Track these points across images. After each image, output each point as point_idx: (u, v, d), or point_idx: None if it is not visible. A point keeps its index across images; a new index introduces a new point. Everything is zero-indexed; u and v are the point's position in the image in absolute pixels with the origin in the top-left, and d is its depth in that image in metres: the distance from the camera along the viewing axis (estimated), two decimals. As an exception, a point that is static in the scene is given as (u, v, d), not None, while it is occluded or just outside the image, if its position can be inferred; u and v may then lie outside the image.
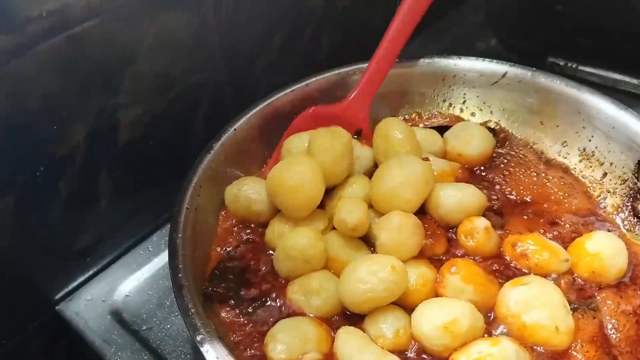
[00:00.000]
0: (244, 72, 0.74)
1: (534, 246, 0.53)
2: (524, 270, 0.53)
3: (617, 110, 0.62)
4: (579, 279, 0.53)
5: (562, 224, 0.59)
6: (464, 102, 0.72)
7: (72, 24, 0.53)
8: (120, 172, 0.64)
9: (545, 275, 0.52)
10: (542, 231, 0.58)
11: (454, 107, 0.73)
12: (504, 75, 0.69)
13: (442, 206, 0.56)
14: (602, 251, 0.53)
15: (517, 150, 0.68)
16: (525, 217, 0.60)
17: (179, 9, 0.62)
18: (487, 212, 0.59)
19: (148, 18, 0.60)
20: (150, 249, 0.68)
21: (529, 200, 0.62)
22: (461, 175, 0.63)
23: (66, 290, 0.65)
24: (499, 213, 0.60)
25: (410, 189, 0.54)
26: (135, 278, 0.65)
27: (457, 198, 0.57)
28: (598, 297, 0.52)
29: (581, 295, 0.52)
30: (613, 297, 0.52)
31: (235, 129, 0.64)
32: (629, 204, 0.60)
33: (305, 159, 0.56)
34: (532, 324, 0.47)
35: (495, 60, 0.70)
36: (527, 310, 0.48)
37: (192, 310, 0.47)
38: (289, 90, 0.68)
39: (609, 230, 0.58)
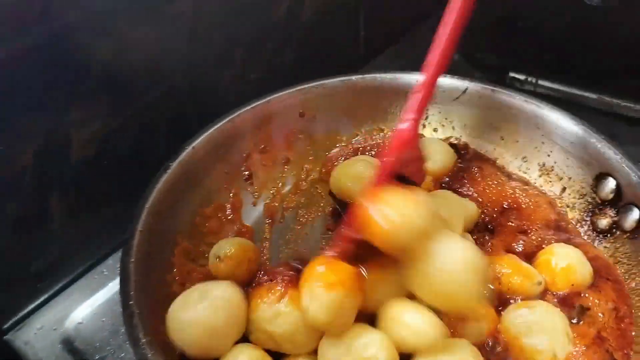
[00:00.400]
0: (207, 87, 0.73)
1: (506, 269, 0.53)
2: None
3: (575, 126, 0.62)
4: (559, 293, 0.53)
5: (530, 233, 0.60)
6: (427, 117, 0.72)
7: (20, 38, 0.51)
8: (73, 193, 0.62)
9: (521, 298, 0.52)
10: (515, 245, 0.59)
11: (417, 123, 0.73)
12: (464, 91, 0.69)
13: None
14: (571, 262, 0.54)
15: (479, 165, 0.68)
16: (511, 224, 0.61)
17: (136, 22, 0.60)
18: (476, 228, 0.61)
19: (103, 32, 0.58)
20: (106, 273, 0.65)
21: (506, 206, 0.63)
22: (433, 188, 0.64)
23: (15, 318, 0.61)
24: (490, 229, 0.61)
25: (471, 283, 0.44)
26: (89, 304, 0.62)
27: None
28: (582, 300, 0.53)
29: (568, 304, 0.53)
30: (597, 296, 0.53)
31: (193, 147, 0.62)
32: (588, 218, 0.61)
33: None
34: (529, 347, 0.47)
35: (456, 77, 0.70)
36: (528, 334, 0.48)
37: (143, 340, 0.45)
38: (250, 107, 0.67)
39: (570, 239, 0.59)
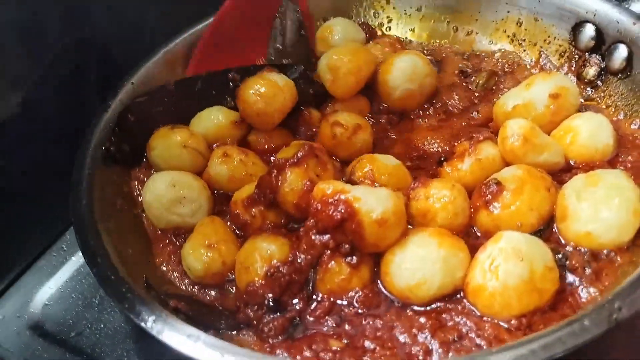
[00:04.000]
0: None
1: None
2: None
3: (539, -17, 0.58)
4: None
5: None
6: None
7: None
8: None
9: None
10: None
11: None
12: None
13: None
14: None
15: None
16: None
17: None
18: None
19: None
20: (65, 248, 0.58)
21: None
22: None
23: (-29, 316, 0.53)
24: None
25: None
26: (53, 283, 0.55)
27: None
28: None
29: None
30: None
31: (133, 83, 0.55)
32: (574, 74, 0.57)
33: None
34: None
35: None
36: None
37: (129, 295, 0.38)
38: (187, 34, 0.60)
39: None
